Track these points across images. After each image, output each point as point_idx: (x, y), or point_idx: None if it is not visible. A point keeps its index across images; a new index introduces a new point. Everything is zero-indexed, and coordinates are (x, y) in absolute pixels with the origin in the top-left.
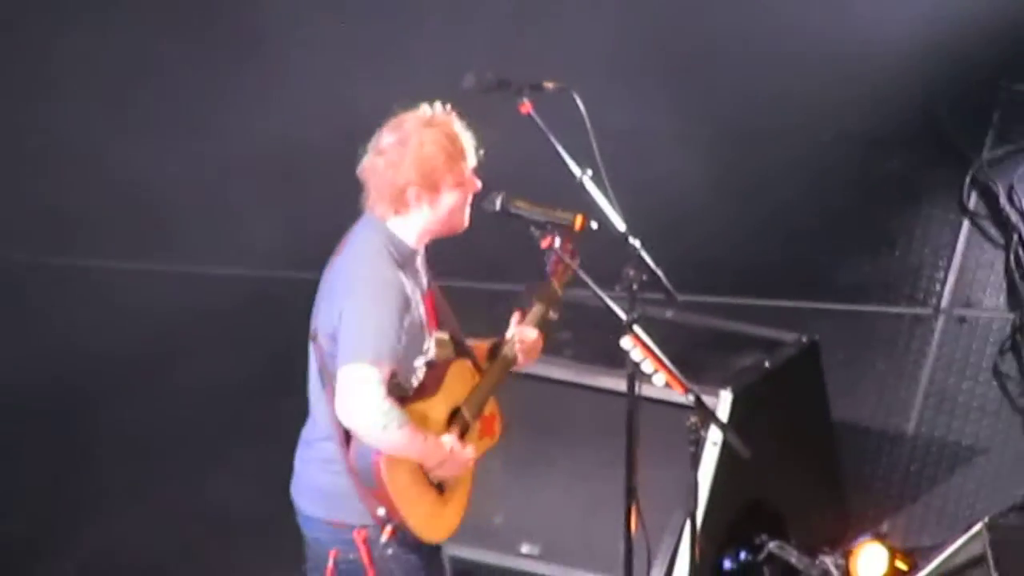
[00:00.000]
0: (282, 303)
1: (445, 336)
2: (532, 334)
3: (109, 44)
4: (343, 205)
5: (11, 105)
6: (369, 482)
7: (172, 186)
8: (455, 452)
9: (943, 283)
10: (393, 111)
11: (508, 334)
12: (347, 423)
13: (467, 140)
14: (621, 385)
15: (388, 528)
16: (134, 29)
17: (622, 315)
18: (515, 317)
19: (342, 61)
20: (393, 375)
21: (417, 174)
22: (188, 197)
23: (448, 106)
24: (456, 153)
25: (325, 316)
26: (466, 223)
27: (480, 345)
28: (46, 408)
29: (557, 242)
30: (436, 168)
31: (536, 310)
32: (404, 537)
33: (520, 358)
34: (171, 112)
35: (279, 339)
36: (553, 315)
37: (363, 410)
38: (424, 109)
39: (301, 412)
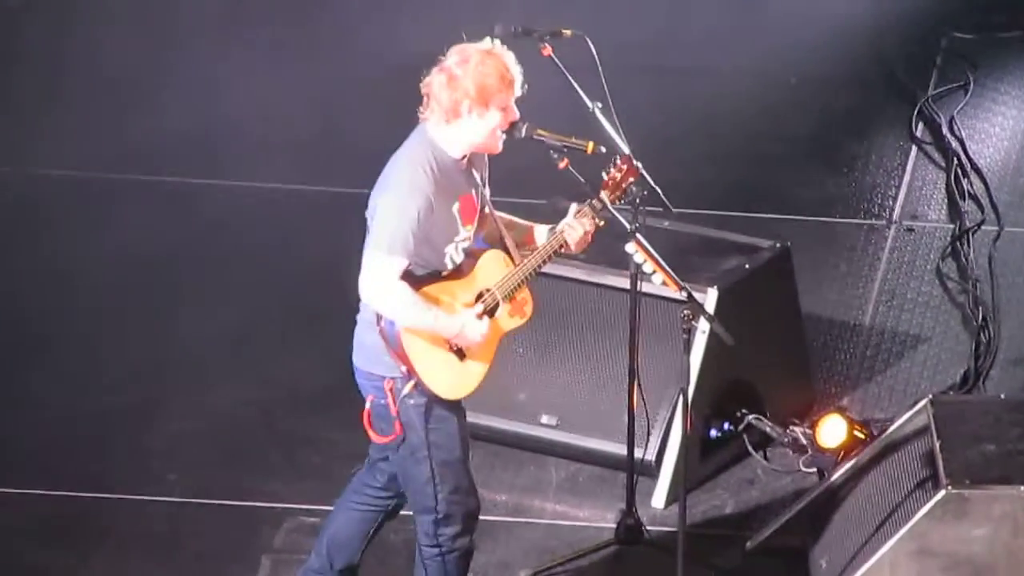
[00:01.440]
0: (338, 212)
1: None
2: (586, 225)
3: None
4: (391, 132)
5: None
6: (393, 345)
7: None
8: (467, 325)
9: (894, 199)
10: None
11: (562, 223)
12: (364, 299)
13: (517, 74)
14: (625, 283)
15: (411, 383)
16: None
17: (627, 224)
18: (573, 207)
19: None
20: (409, 264)
21: (474, 89)
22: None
23: (504, 45)
24: (507, 82)
25: (371, 207)
26: (500, 147)
27: (531, 226)
28: (146, 303)
29: (617, 160)
30: (490, 88)
31: (591, 208)
32: (423, 391)
33: (572, 245)
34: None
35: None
36: (599, 222)
37: (375, 290)
38: (486, 41)
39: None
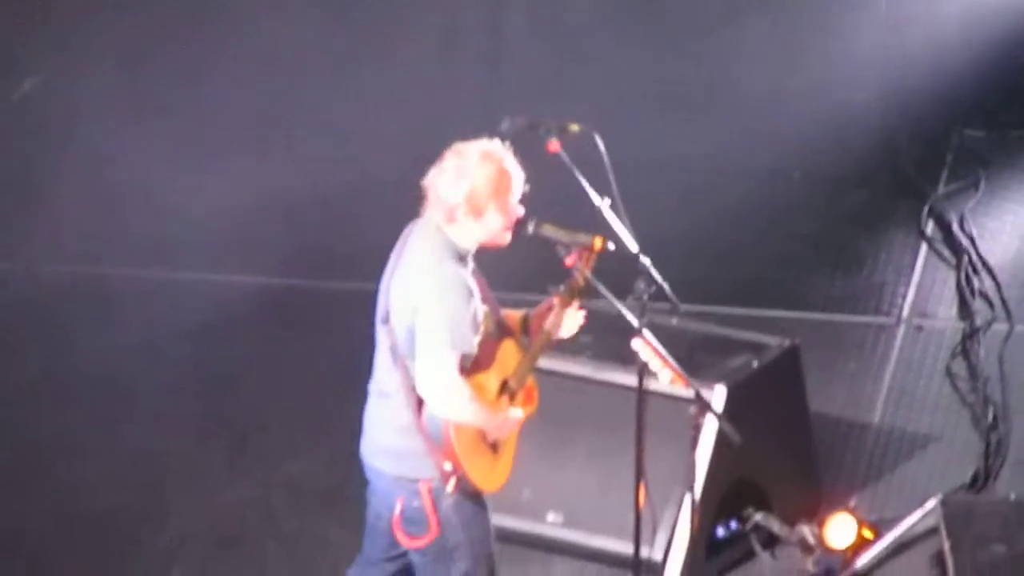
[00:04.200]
0: (306, 308)
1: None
2: (571, 314)
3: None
4: (363, 227)
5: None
6: (440, 443)
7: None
8: (508, 417)
9: (904, 297)
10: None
11: (549, 321)
12: (428, 401)
13: (516, 175)
14: (632, 381)
15: (453, 480)
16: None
17: (634, 321)
18: (555, 299)
19: (378, 104)
20: (463, 356)
21: (465, 199)
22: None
23: (507, 143)
24: (503, 186)
25: (400, 307)
26: (507, 241)
27: (512, 315)
28: (146, 400)
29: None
30: (481, 197)
31: (568, 292)
32: (465, 488)
33: (559, 332)
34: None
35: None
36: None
37: (442, 392)
38: (485, 142)
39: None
